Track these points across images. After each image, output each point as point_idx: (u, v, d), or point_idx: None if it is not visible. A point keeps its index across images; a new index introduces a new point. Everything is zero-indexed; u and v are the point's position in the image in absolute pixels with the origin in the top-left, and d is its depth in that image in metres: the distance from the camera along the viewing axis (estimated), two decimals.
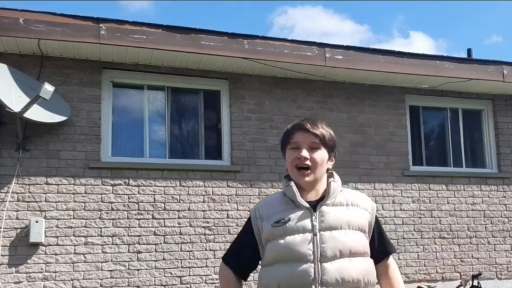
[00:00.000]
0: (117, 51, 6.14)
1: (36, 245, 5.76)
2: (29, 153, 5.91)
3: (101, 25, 5.92)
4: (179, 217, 6.31)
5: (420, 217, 7.31)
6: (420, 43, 32.78)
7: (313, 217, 2.02)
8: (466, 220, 7.53)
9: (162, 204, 6.28)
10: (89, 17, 5.93)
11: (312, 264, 1.94)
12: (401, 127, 7.48)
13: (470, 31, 32.64)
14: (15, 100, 5.61)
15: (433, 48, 33.16)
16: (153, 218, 6.22)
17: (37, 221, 5.74)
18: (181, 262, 6.23)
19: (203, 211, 6.41)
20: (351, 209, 2.08)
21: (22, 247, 5.73)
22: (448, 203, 7.48)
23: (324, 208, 2.05)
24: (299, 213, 2.03)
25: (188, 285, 6.20)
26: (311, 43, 6.75)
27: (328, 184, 2.10)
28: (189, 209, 6.37)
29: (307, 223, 2.01)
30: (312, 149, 2.09)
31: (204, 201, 6.43)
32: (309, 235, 1.98)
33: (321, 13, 34.70)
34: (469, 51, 8.71)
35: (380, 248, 2.14)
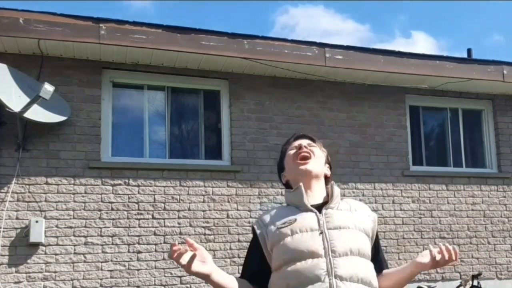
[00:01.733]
0: (117, 51, 6.14)
1: (36, 245, 5.76)
2: (29, 153, 5.91)
3: (101, 25, 5.92)
4: (179, 217, 6.31)
5: (420, 217, 7.31)
6: (422, 43, 32.75)
7: (320, 218, 1.98)
8: (466, 220, 7.53)
9: (162, 204, 6.28)
10: (89, 17, 5.93)
11: (324, 259, 1.87)
12: (401, 127, 7.48)
13: (471, 31, 32.66)
14: (15, 100, 5.61)
15: (435, 47, 33.13)
16: (153, 218, 6.21)
17: (37, 221, 5.74)
18: None
19: (203, 211, 6.41)
20: (355, 213, 2.06)
21: (22, 247, 5.72)
22: (448, 203, 7.48)
23: (329, 211, 2.02)
24: (305, 214, 1.99)
25: (188, 285, 6.20)
26: (311, 43, 6.75)
27: (331, 186, 2.09)
28: (189, 209, 6.37)
29: (313, 222, 1.96)
30: (311, 146, 2.16)
31: (204, 201, 6.43)
32: (317, 233, 1.93)
33: (322, 12, 34.68)
34: (469, 51, 8.71)
35: (376, 262, 2.07)
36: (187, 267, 1.80)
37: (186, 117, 6.95)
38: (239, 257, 6.40)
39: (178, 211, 6.32)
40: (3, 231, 5.68)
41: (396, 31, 33.66)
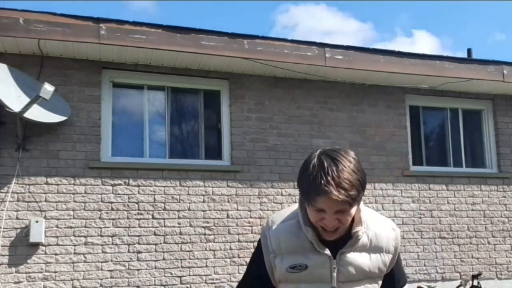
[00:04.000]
0: (117, 51, 6.14)
1: (36, 245, 5.76)
2: (29, 153, 5.91)
3: (101, 25, 5.92)
4: (179, 217, 6.31)
5: (420, 217, 7.31)
6: (424, 42, 32.78)
7: (333, 266, 1.86)
8: (466, 220, 7.53)
9: (162, 204, 6.28)
10: (89, 17, 5.93)
11: None
12: (401, 127, 7.47)
13: (473, 30, 32.67)
14: (15, 100, 5.61)
15: (437, 46, 33.15)
16: (153, 218, 6.22)
17: (37, 221, 5.74)
18: (181, 262, 6.23)
19: (203, 211, 6.41)
20: (373, 256, 1.91)
21: (22, 247, 5.73)
22: (448, 203, 7.48)
23: (344, 256, 1.87)
24: (318, 261, 1.86)
25: (188, 285, 6.20)
26: (311, 43, 6.75)
27: (355, 233, 1.87)
28: (189, 209, 6.37)
29: (325, 272, 1.86)
30: (341, 212, 1.76)
31: (204, 201, 6.43)
32: (327, 287, 1.86)
33: (324, 11, 34.68)
34: (469, 51, 8.71)
35: (390, 282, 2.02)
36: None
37: (186, 117, 6.95)
38: (239, 257, 6.40)
39: (178, 211, 6.32)
40: (3, 231, 5.68)
41: (398, 30, 33.67)
